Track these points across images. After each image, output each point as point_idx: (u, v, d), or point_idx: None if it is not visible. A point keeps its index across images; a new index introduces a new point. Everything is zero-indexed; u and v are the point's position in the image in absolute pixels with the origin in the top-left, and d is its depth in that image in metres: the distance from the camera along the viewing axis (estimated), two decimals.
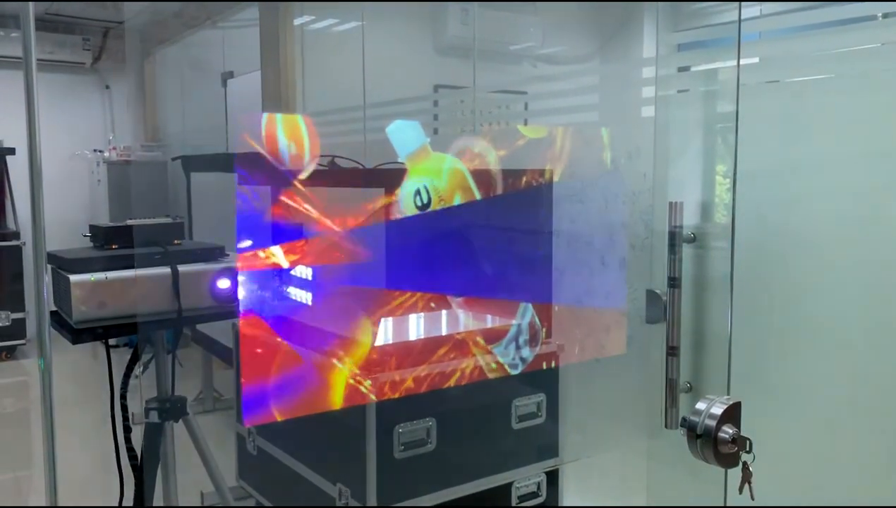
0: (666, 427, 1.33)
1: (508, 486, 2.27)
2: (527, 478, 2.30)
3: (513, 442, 2.26)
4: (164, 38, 5.40)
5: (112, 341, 1.79)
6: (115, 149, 5.42)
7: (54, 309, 1.77)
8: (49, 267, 1.77)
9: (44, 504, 1.30)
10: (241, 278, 1.28)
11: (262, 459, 2.53)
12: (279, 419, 1.35)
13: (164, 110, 5.65)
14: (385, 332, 1.91)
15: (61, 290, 1.68)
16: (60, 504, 1.31)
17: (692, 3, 1.75)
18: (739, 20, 1.31)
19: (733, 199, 1.33)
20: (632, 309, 1.99)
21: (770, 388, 1.44)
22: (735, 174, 1.32)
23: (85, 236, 1.83)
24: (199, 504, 2.82)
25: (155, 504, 1.91)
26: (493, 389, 2.22)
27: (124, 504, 1.87)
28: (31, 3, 1.25)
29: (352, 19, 3.80)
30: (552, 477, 2.35)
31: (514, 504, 2.27)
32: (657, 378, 1.38)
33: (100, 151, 5.51)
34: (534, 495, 2.32)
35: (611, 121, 2.60)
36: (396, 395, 1.59)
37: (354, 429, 2.03)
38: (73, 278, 1.62)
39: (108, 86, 5.95)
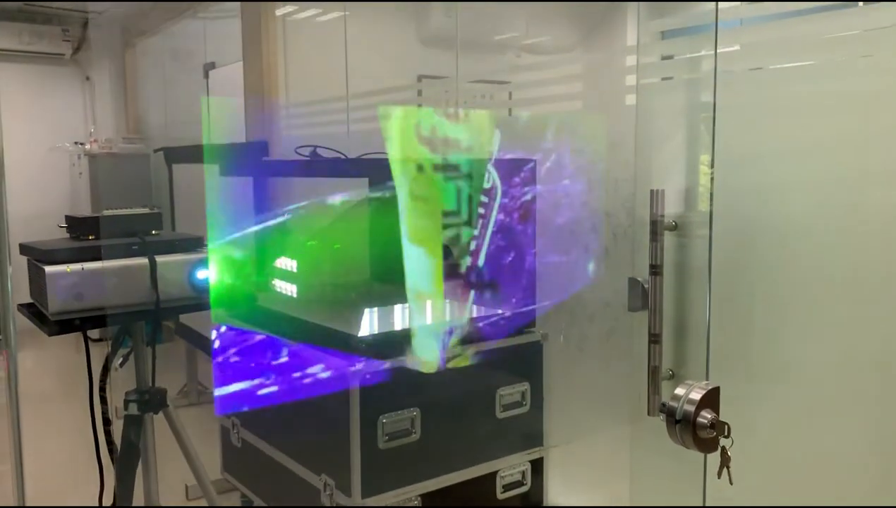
0: (649, 414, 1.33)
1: (493, 475, 2.27)
2: (511, 467, 2.30)
3: (497, 431, 2.26)
4: (145, 29, 5.34)
5: (95, 335, 1.77)
6: (96, 141, 5.36)
7: (31, 301, 1.75)
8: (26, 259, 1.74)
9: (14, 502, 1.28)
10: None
11: (247, 451, 2.52)
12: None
13: (146, 102, 5.59)
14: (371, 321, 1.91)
15: (38, 282, 1.65)
16: (42, 498, 1.29)
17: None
18: (717, 12, 1.31)
19: (711, 187, 1.33)
20: (614, 297, 1.99)
21: (755, 375, 1.45)
22: (713, 161, 1.32)
23: (61, 227, 1.81)
24: (184, 496, 2.81)
25: (136, 497, 1.89)
26: (478, 378, 2.22)
27: (105, 496, 1.86)
28: None
29: (334, 9, 3.77)
30: (537, 466, 2.35)
31: (498, 493, 2.27)
32: (640, 365, 1.38)
33: (81, 144, 5.44)
34: (518, 484, 2.32)
35: (595, 109, 2.60)
36: None
37: (338, 420, 2.02)
38: (49, 269, 1.60)
39: (88, 78, 5.88)
